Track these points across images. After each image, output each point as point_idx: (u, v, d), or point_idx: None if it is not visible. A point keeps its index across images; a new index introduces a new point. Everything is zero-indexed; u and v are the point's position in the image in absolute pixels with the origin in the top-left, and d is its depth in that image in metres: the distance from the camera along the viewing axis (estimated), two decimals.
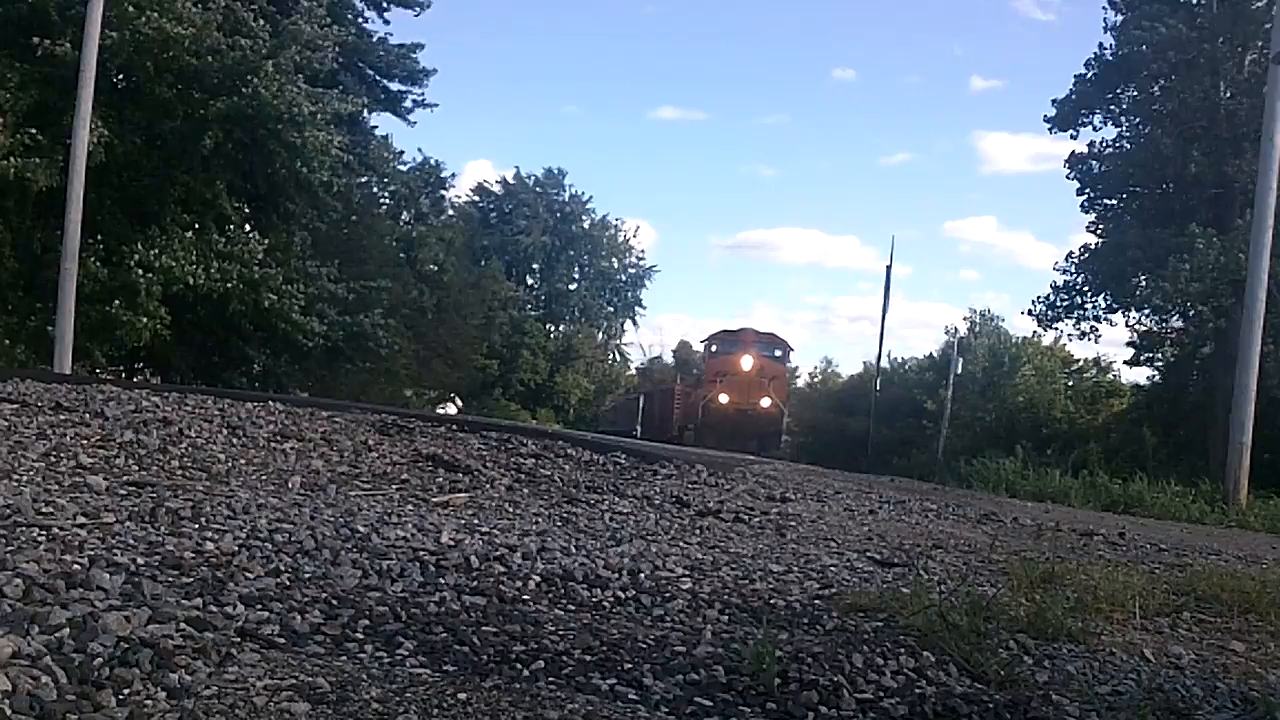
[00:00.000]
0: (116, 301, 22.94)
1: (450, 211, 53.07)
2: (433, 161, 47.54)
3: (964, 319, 54.24)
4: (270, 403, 12.32)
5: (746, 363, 39.16)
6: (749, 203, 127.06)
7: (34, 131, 21.62)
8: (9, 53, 21.69)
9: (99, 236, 23.76)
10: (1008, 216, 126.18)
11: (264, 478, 7.40)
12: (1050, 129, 36.33)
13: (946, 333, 53.32)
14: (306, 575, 4.51)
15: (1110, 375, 46.23)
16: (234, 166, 25.53)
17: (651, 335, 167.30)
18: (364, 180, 34.82)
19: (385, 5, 34.21)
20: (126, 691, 2.86)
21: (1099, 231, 35.58)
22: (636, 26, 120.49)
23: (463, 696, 3.17)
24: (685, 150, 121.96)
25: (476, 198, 74.26)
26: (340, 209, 30.16)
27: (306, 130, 24.83)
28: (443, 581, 4.70)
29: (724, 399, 38.77)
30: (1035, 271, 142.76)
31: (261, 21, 24.60)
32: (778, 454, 34.70)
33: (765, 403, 38.93)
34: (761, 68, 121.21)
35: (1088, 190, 35.82)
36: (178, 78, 23.67)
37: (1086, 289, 35.22)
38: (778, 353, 42.35)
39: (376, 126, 36.12)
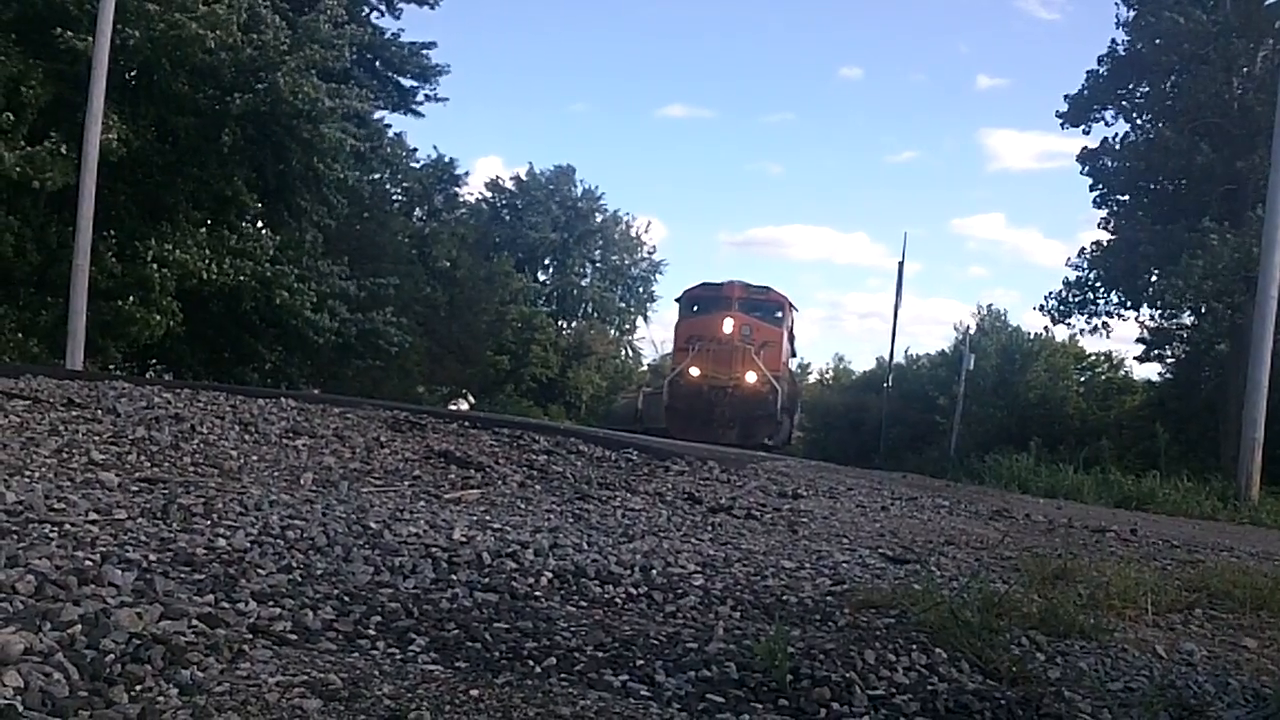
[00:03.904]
0: (130, 298, 23.02)
1: (463, 209, 53.09)
2: (446, 158, 47.55)
3: (972, 315, 54.23)
4: (282, 399, 12.35)
5: (727, 325, 30.99)
6: (758, 200, 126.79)
7: (49, 130, 21.71)
8: (22, 49, 21.74)
9: (113, 232, 23.87)
10: (1015, 214, 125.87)
11: (276, 474, 7.41)
12: (1062, 125, 36.30)
13: (955, 329, 53.32)
14: (318, 572, 4.52)
15: (1122, 372, 46.13)
16: (248, 162, 25.62)
17: (663, 332, 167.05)
18: (377, 177, 34.88)
19: (397, 4, 34.31)
20: (138, 688, 2.87)
21: (1111, 227, 35.51)
22: (644, 25, 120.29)
23: (475, 693, 3.17)
24: (693, 148, 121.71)
25: (489, 194, 74.29)
26: (350, 205, 30.23)
27: (323, 126, 24.96)
28: (455, 578, 4.70)
29: (694, 372, 30.70)
30: (1044, 268, 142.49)
31: (277, 18, 24.67)
32: (774, 444, 30.76)
33: (750, 377, 30.42)
34: (768, 66, 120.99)
35: (1100, 186, 35.73)
36: (192, 73, 23.76)
37: (1099, 285, 35.16)
38: (778, 313, 33.67)
39: (390, 125, 36.21)
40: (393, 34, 34.46)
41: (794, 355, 39.16)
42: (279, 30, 24.34)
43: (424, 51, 35.15)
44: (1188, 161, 31.38)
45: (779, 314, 33.68)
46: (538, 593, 4.69)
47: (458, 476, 8.58)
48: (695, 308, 33.79)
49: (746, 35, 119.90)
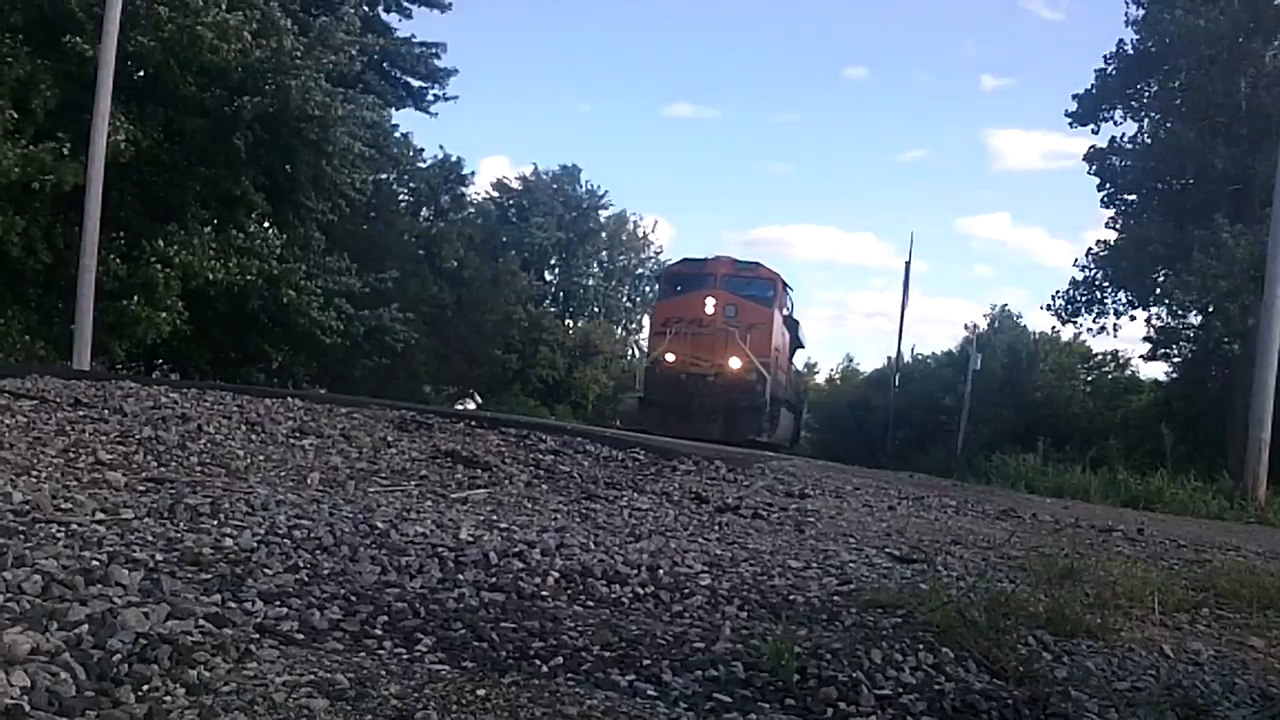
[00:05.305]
0: (135, 297, 23.04)
1: (471, 209, 53.08)
2: (453, 158, 47.52)
3: (984, 315, 54.23)
4: (289, 399, 12.35)
5: (709, 305, 26.99)
6: (764, 199, 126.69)
7: (58, 132, 21.74)
8: (30, 51, 21.77)
9: (120, 233, 23.91)
10: (1021, 213, 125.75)
11: (283, 474, 7.41)
12: (1071, 123, 36.22)
13: (966, 328, 53.23)
14: (325, 571, 4.52)
15: (1129, 371, 46.04)
16: (255, 163, 25.64)
17: None
18: (384, 177, 34.91)
19: (408, 6, 34.33)
20: (145, 688, 2.88)
21: (1119, 227, 35.45)
22: (650, 25, 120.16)
23: (481, 693, 3.17)
24: (700, 147, 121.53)
25: (495, 194, 74.29)
26: (357, 206, 30.24)
27: (331, 130, 24.99)
28: (461, 578, 4.70)
29: (670, 358, 27.01)
30: (1049, 268, 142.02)
31: (288, 22, 24.66)
32: (770, 442, 26.69)
33: (734, 363, 26.55)
34: (774, 66, 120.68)
35: (1108, 185, 35.66)
36: (200, 74, 23.79)
37: (1106, 284, 35.12)
38: (768, 293, 28.89)
39: (398, 125, 36.24)
40: (404, 37, 34.54)
41: (801, 346, 36.52)
42: (291, 36, 24.32)
43: (434, 54, 35.22)
44: (1197, 161, 31.31)
45: (770, 293, 29.03)
46: (544, 592, 4.69)
47: (464, 476, 8.58)
48: (678, 287, 29.90)
49: (752, 35, 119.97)
